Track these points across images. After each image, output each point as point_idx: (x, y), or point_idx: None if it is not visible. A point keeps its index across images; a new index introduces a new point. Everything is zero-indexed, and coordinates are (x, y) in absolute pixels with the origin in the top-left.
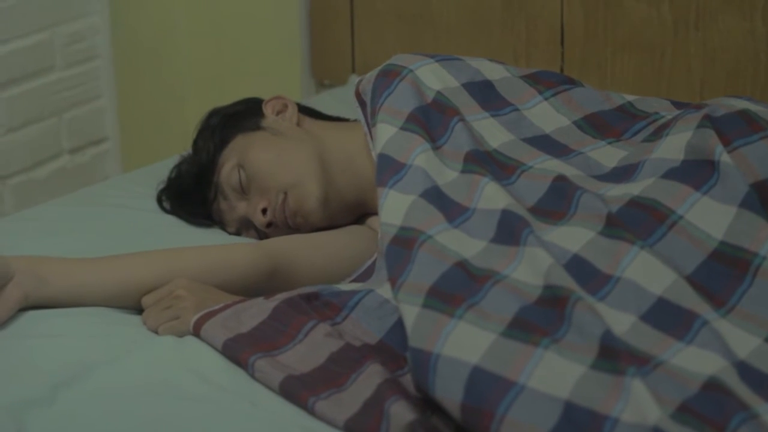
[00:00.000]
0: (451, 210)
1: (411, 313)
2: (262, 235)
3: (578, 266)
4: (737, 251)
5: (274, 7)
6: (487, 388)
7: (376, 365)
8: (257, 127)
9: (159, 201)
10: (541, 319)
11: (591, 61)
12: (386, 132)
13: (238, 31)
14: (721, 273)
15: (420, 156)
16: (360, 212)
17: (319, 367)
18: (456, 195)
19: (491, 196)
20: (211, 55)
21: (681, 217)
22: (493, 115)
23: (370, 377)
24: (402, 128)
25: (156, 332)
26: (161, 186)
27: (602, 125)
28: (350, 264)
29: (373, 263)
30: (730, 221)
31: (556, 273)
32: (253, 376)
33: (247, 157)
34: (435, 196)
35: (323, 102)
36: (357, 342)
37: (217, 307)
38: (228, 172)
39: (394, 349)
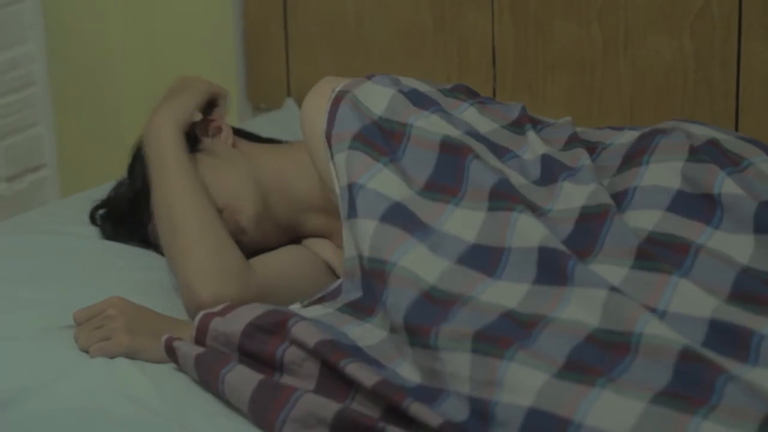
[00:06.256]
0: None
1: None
2: None
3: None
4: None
5: (209, 33)
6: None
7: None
8: (194, 150)
9: (92, 218)
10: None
11: (522, 81)
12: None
13: (175, 57)
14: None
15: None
16: (293, 234)
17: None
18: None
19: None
20: (148, 80)
21: (702, 246)
22: (433, 112)
23: None
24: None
25: (87, 352)
26: (96, 203)
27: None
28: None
29: (339, 286)
30: (751, 251)
31: (615, 303)
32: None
33: None
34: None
35: (259, 125)
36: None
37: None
38: None
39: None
